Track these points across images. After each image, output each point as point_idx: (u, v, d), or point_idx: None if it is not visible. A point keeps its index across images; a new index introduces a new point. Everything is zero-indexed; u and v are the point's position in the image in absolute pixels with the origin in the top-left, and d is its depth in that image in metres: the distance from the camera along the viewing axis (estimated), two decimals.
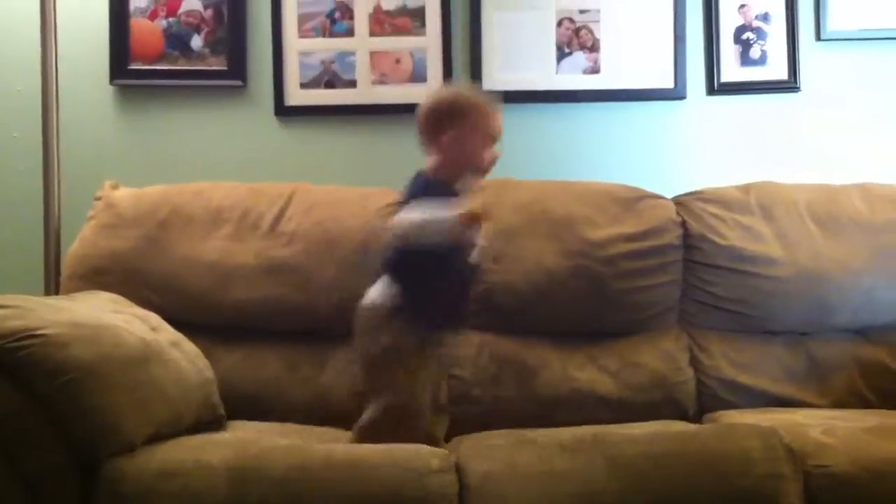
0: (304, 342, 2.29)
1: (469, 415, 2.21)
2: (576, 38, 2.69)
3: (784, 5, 2.67)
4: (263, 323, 2.30)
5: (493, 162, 2.01)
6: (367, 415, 1.91)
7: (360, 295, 2.24)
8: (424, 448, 1.75)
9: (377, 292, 1.97)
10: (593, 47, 2.69)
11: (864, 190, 2.44)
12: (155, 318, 2.06)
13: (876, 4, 2.67)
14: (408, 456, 1.70)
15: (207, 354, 2.11)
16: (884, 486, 1.71)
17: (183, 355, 1.98)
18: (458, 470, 1.74)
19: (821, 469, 1.73)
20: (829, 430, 1.88)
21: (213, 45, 2.65)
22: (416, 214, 1.87)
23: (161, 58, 2.65)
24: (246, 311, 2.28)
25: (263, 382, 2.24)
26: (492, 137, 1.99)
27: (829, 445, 1.78)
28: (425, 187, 1.94)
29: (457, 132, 1.95)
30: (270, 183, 2.44)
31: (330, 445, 1.78)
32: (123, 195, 2.40)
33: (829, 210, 2.36)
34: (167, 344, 1.95)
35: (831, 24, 2.67)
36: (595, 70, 2.69)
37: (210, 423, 1.99)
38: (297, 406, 2.20)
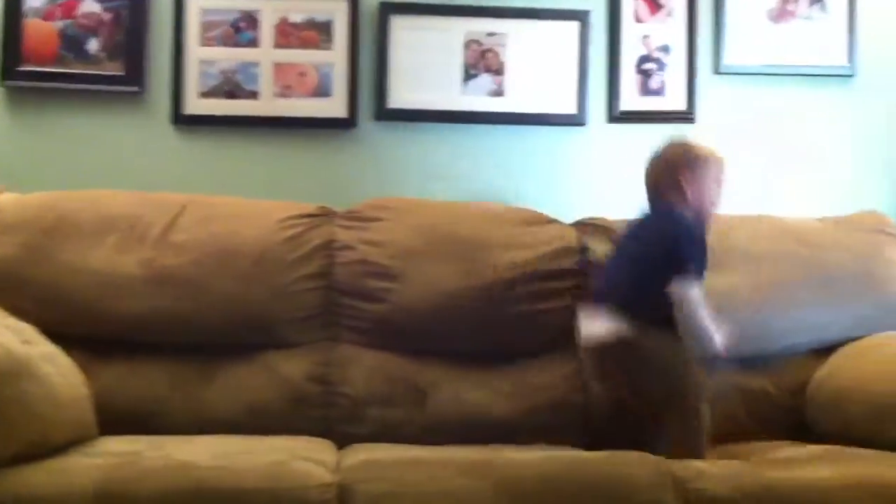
0: (190, 356, 2.23)
1: (359, 435, 2.18)
2: (482, 61, 2.71)
3: (685, 38, 2.74)
4: (148, 336, 2.23)
5: (715, 206, 2.21)
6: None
7: (255, 308, 2.21)
8: (310, 469, 1.71)
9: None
10: (499, 70, 2.71)
11: (756, 221, 2.50)
12: (29, 330, 1.97)
13: (771, 41, 2.77)
14: (289, 479, 1.66)
15: (87, 369, 2.04)
16: None
17: (56, 370, 1.89)
18: (346, 491, 1.70)
19: (701, 493, 1.75)
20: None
21: (110, 49, 2.57)
22: (705, 316, 2.01)
23: (55, 60, 2.56)
24: (130, 323, 2.21)
25: (146, 398, 2.17)
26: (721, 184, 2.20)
27: (712, 473, 1.80)
28: (696, 229, 2.11)
29: (702, 182, 2.17)
30: (164, 193, 2.38)
31: (208, 468, 1.72)
32: (7, 200, 2.31)
33: (719, 240, 2.41)
34: (39, 358, 1.86)
35: (728, 59, 2.74)
36: (500, 93, 2.71)
37: (82, 441, 1.89)
38: (180, 422, 2.13)
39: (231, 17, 2.62)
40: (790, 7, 2.78)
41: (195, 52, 2.60)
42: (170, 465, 1.73)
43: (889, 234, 2.55)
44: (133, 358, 2.22)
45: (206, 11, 2.60)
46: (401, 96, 2.66)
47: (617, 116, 2.74)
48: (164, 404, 2.18)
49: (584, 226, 2.47)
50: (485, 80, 2.70)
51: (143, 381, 2.20)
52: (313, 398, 2.25)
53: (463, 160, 2.71)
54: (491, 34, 2.70)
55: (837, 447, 2.05)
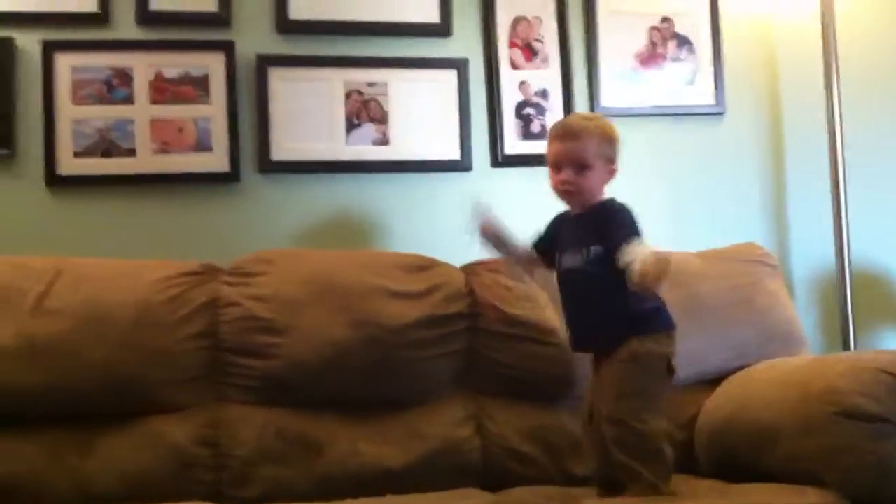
0: (69, 427, 2.15)
1: (251, 498, 2.13)
2: (365, 110, 2.72)
3: (560, 83, 2.81)
4: (23, 409, 2.13)
5: (556, 188, 2.12)
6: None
7: (134, 373, 2.14)
8: None
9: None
10: (382, 119, 2.72)
11: None
12: None
13: (643, 83, 2.86)
14: None
15: None
16: None
17: None
18: None
19: None
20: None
21: None
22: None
23: None
24: (3, 397, 2.10)
25: (24, 473, 2.07)
26: (551, 163, 2.13)
27: None
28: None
29: None
30: (35, 257, 2.29)
31: None
32: None
33: None
34: None
35: (604, 101, 2.82)
36: (384, 141, 2.72)
37: None
38: (60, 497, 2.05)
39: (103, 75, 2.56)
40: (660, 50, 2.88)
41: (67, 110, 2.54)
42: None
43: (768, 264, 2.64)
44: (8, 432, 2.11)
45: (76, 69, 2.54)
46: (284, 148, 2.65)
47: (500, 161, 2.78)
48: (42, 479, 2.09)
49: (473, 268, 2.48)
50: (368, 130, 2.71)
51: (19, 456, 2.09)
52: (202, 462, 2.18)
53: (350, 209, 2.71)
54: (371, 84, 2.71)
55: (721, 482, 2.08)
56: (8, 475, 2.05)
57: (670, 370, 2.04)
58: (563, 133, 2.13)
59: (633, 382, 1.99)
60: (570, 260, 2.11)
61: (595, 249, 2.04)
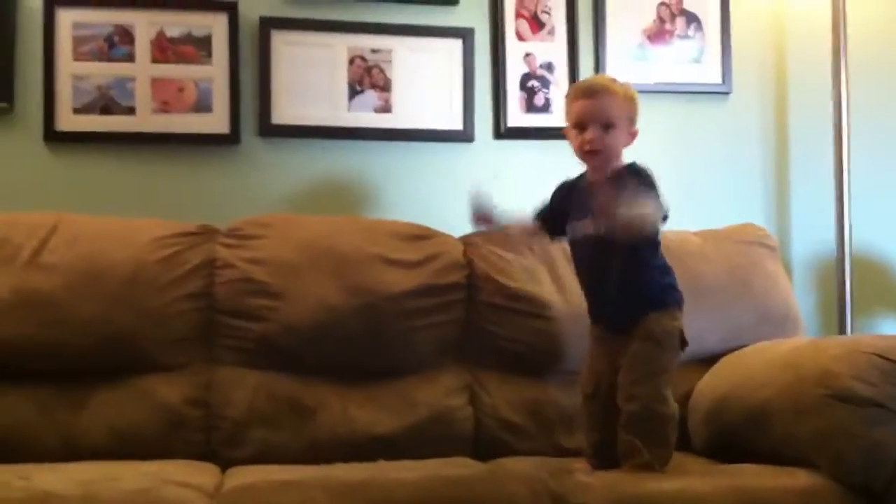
0: (61, 382, 2.15)
1: (242, 458, 2.13)
2: (368, 77, 2.69)
3: (566, 56, 2.79)
4: (15, 362, 2.13)
5: (581, 148, 2.07)
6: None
7: (126, 330, 2.13)
8: (180, 495, 1.65)
9: None
10: (385, 87, 2.70)
11: None
12: None
13: (650, 59, 2.83)
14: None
15: None
16: None
17: None
18: None
19: None
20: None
21: None
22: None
23: None
24: None
25: (14, 426, 2.08)
26: (574, 122, 2.09)
27: (589, 485, 1.81)
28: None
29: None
30: (30, 213, 2.28)
31: (70, 497, 1.64)
32: None
33: None
34: None
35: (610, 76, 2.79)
36: (386, 109, 2.70)
37: None
38: (50, 451, 2.05)
39: (105, 31, 2.54)
40: (667, 26, 2.86)
41: (68, 66, 2.52)
42: (32, 494, 1.65)
43: (767, 245, 2.63)
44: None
45: (78, 25, 2.52)
46: (285, 112, 2.63)
47: (503, 133, 2.76)
48: (33, 432, 2.10)
49: (471, 239, 2.47)
50: (371, 97, 2.69)
51: (10, 408, 2.10)
52: (193, 422, 2.19)
53: (350, 176, 2.69)
54: (375, 50, 2.69)
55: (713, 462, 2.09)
56: (2, 428, 2.06)
57: (683, 343, 2.05)
58: (589, 90, 2.09)
59: (654, 362, 1.98)
60: (585, 227, 2.07)
61: None
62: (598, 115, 2.04)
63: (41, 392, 2.13)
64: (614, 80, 2.15)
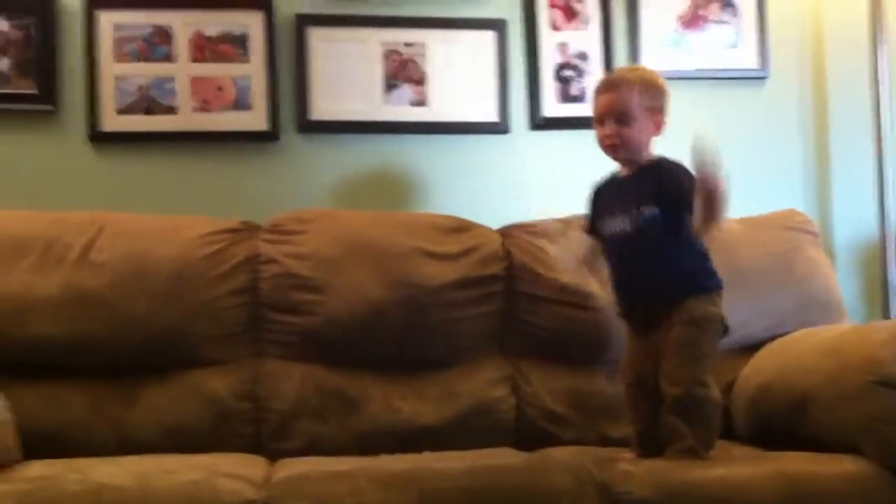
0: (112, 378, 2.19)
1: (290, 450, 2.16)
2: (403, 71, 2.71)
3: (601, 45, 2.78)
4: (68, 359, 2.18)
5: (601, 142, 2.09)
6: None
7: (175, 327, 2.16)
8: (232, 486, 1.69)
9: None
10: (420, 80, 2.71)
11: None
12: None
13: (685, 46, 2.82)
14: (209, 497, 1.64)
15: (7, 393, 1.99)
16: None
17: None
18: None
19: (625, 496, 1.76)
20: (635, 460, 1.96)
21: (20, 67, 2.51)
22: None
23: None
24: (49, 346, 2.16)
25: (68, 422, 2.13)
26: (595, 118, 2.10)
27: (634, 474, 1.81)
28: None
29: None
30: (76, 212, 2.33)
31: (126, 488, 1.68)
32: None
33: None
34: None
35: (645, 64, 2.75)
36: (422, 102, 2.71)
37: (5, 467, 1.83)
38: (104, 445, 2.09)
39: (144, 32, 2.58)
40: (702, 12, 2.84)
41: (109, 68, 2.56)
42: (88, 487, 1.68)
43: (808, 231, 2.61)
44: (53, 381, 2.17)
45: (118, 27, 2.56)
46: (322, 108, 2.65)
47: (539, 123, 2.76)
48: (86, 428, 2.14)
49: (509, 231, 2.48)
50: (406, 90, 2.70)
51: (64, 404, 2.15)
52: (241, 415, 2.22)
53: (387, 170, 2.71)
54: (409, 44, 2.70)
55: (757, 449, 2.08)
56: (53, 423, 2.11)
57: (725, 330, 2.04)
58: (606, 84, 2.11)
59: (696, 347, 1.98)
60: (618, 223, 2.07)
61: (648, 211, 2.01)
62: (614, 109, 2.05)
63: (93, 388, 2.18)
64: (635, 69, 2.16)
